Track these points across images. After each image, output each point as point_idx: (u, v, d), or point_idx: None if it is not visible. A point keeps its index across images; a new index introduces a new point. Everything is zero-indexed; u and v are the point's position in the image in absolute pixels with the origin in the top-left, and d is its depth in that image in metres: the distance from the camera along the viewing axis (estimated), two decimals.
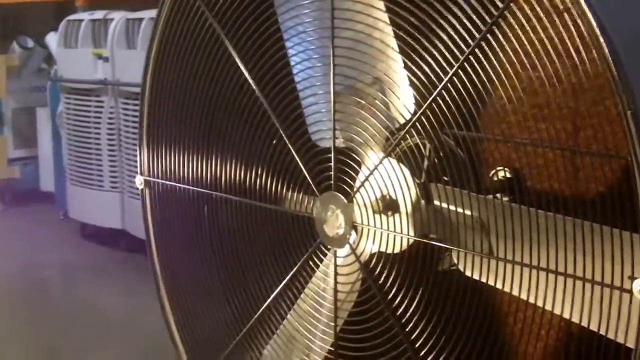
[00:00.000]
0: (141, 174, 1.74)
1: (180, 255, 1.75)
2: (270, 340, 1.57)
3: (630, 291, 1.04)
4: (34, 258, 4.24)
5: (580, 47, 1.08)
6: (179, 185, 1.68)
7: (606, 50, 1.03)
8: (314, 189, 1.45)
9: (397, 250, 1.34)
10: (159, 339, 2.88)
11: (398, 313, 1.34)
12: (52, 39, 4.67)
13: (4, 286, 3.83)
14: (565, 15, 1.09)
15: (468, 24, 1.18)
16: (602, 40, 1.03)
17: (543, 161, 1.22)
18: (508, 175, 1.32)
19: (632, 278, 1.04)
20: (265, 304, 1.57)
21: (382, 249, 1.36)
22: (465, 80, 1.21)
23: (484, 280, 1.25)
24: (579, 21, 1.06)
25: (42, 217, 4.92)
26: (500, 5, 1.15)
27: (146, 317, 3.23)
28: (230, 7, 1.52)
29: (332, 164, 1.40)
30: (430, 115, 1.26)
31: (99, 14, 4.23)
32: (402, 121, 1.32)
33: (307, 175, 1.46)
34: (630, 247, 1.06)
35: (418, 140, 1.31)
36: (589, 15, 1.04)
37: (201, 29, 1.58)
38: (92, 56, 4.20)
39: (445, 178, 1.30)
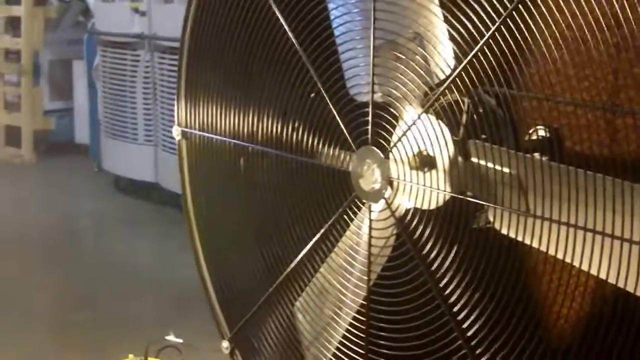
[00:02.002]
0: (179, 124, 1.74)
1: (215, 208, 1.76)
2: (303, 293, 1.58)
3: None
4: (67, 209, 4.29)
5: (622, 6, 1.06)
6: (216, 137, 1.69)
7: None
8: (351, 143, 1.44)
9: (432, 206, 1.34)
10: (189, 290, 2.92)
11: (432, 269, 1.34)
12: None
13: (38, 236, 3.89)
14: None
15: None
16: None
17: (582, 121, 1.21)
18: (545, 134, 1.31)
19: None
20: (299, 257, 1.58)
21: (418, 205, 1.36)
22: (508, 36, 1.20)
23: (520, 238, 1.24)
24: None
25: (76, 169, 4.98)
26: None
27: (177, 268, 3.27)
28: None
29: (370, 118, 1.40)
30: (471, 71, 1.25)
31: None
32: (441, 77, 1.32)
33: (344, 129, 1.45)
34: None
35: (457, 97, 1.30)
36: None
37: None
38: (130, 10, 4.21)
39: (483, 135, 1.29)
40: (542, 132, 1.32)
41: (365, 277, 1.44)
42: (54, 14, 5.25)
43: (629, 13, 1.05)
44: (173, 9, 3.91)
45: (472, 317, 1.29)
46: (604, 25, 1.10)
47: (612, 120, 1.21)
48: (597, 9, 1.10)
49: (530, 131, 1.33)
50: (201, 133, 1.71)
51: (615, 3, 1.07)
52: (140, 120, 4.23)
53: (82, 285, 3.25)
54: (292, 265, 1.58)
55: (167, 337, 2.41)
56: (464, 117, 1.32)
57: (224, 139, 1.67)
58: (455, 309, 1.30)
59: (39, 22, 5.20)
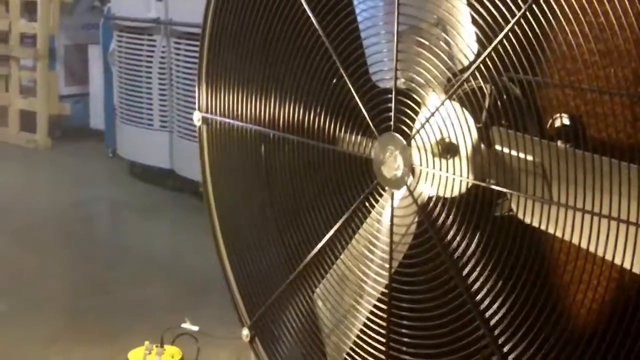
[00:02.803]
0: (199, 110, 1.74)
1: (235, 194, 1.76)
2: (323, 280, 1.58)
3: None
4: (82, 195, 4.30)
5: None
6: (237, 122, 1.68)
7: None
8: (373, 129, 1.44)
9: (455, 193, 1.33)
10: (204, 277, 2.93)
11: (454, 257, 1.33)
12: None
13: (52, 222, 3.90)
14: None
15: None
16: None
17: (604, 109, 1.20)
18: (567, 122, 1.30)
19: None
20: (321, 244, 1.57)
21: (440, 192, 1.35)
22: (533, 23, 1.19)
23: (542, 227, 1.24)
24: None
25: (91, 154, 4.99)
26: None
27: (192, 255, 3.27)
28: None
29: (393, 104, 1.39)
30: (495, 58, 1.24)
31: None
32: (465, 63, 1.31)
33: (366, 115, 1.45)
34: None
35: (482, 83, 1.29)
36: None
37: None
38: None
39: (505, 123, 1.28)
40: (565, 120, 1.32)
41: (387, 265, 1.43)
42: None
43: None
44: None
45: (495, 306, 1.28)
46: (630, 11, 1.09)
47: (634, 108, 1.20)
48: None
49: (553, 118, 1.32)
50: (222, 119, 1.71)
51: None
52: (156, 106, 4.22)
53: (96, 271, 3.26)
54: (313, 252, 1.58)
55: (183, 325, 2.41)
56: (487, 104, 1.31)
57: (245, 124, 1.67)
58: (478, 297, 1.30)
59: (55, 7, 5.21)
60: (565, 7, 1.16)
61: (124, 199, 4.25)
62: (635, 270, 1.13)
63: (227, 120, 1.70)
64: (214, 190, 1.77)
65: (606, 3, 1.12)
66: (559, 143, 1.28)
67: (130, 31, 4.31)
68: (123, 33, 4.35)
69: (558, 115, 1.32)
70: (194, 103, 1.75)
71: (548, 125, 1.33)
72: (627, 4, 1.09)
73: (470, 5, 1.28)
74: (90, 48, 5.20)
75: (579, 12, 1.15)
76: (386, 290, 1.44)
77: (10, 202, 4.08)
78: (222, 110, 1.71)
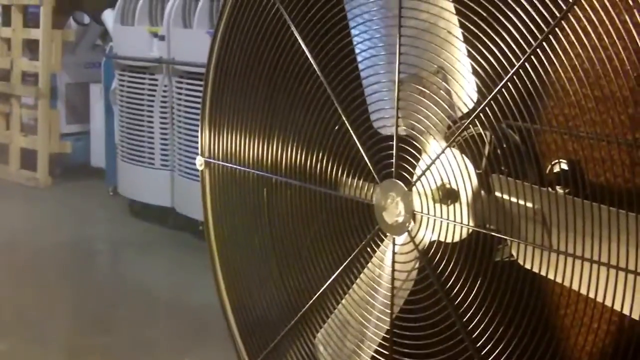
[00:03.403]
0: (202, 154, 1.76)
1: (237, 237, 1.77)
2: (325, 325, 1.59)
3: None
4: (82, 233, 4.31)
5: None
6: (239, 167, 1.70)
7: None
8: (375, 175, 1.46)
9: (455, 239, 1.35)
10: (205, 316, 2.93)
11: (455, 302, 1.34)
12: (109, 16, 4.72)
13: (53, 259, 3.90)
14: (635, 10, 1.09)
15: (536, 16, 1.19)
16: None
17: (602, 154, 1.22)
18: (565, 167, 1.32)
19: None
20: (322, 289, 1.58)
21: (441, 238, 1.37)
22: (531, 72, 1.21)
23: (542, 273, 1.25)
24: (637, 16, 1.06)
25: (92, 192, 5.00)
26: None
27: (192, 294, 3.28)
28: None
29: (394, 151, 1.41)
30: (494, 106, 1.27)
31: None
32: (464, 110, 1.33)
33: (368, 162, 1.47)
34: None
35: (480, 130, 1.31)
36: None
37: (268, 14, 1.59)
38: (148, 34, 4.24)
39: (505, 169, 1.30)
40: (563, 166, 1.34)
41: (388, 310, 1.45)
42: (72, 37, 5.29)
43: None
44: (192, 33, 3.94)
45: (496, 352, 1.29)
46: (624, 58, 1.12)
47: (632, 153, 1.22)
48: (617, 42, 1.11)
49: (552, 164, 1.34)
50: (224, 163, 1.72)
51: (636, 36, 1.08)
52: (157, 144, 4.24)
53: (97, 310, 3.26)
54: (315, 297, 1.59)
55: None
56: (487, 150, 1.34)
57: (247, 169, 1.69)
58: (480, 343, 1.31)
59: (57, 45, 5.24)
60: (563, 55, 1.18)
61: (125, 237, 4.26)
62: (634, 316, 1.14)
63: (229, 165, 1.72)
64: (215, 232, 1.78)
65: (602, 51, 1.14)
66: (558, 188, 1.30)
67: (132, 70, 4.34)
68: (125, 72, 4.39)
69: (557, 160, 1.34)
70: (196, 142, 1.77)
71: (547, 171, 1.35)
72: (624, 53, 1.11)
73: (469, 55, 1.31)
74: (92, 87, 5.24)
75: (575, 60, 1.17)
76: (388, 336, 1.45)
77: (10, 240, 4.08)
78: (224, 154, 1.72)
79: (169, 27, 4.11)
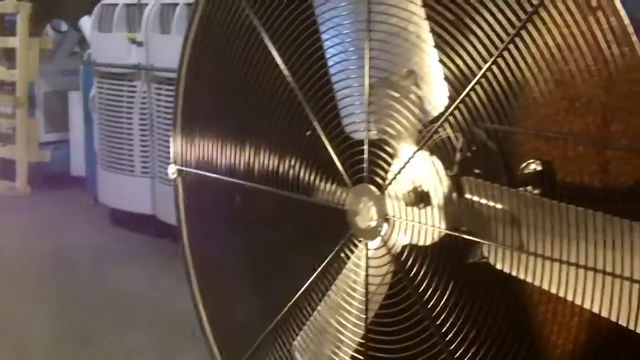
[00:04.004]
0: (174, 162, 1.75)
1: (211, 245, 1.77)
2: (301, 332, 1.59)
3: None
4: (63, 242, 4.28)
5: (612, 42, 1.09)
6: (212, 174, 1.70)
7: (637, 45, 1.03)
8: (347, 180, 1.46)
9: (428, 242, 1.35)
10: (187, 322, 2.92)
11: (429, 305, 1.35)
12: (86, 23, 4.70)
13: (34, 269, 3.88)
14: (598, 11, 1.09)
15: (502, 19, 1.19)
16: (633, 36, 1.04)
17: (574, 154, 1.23)
18: (538, 167, 1.33)
19: None
20: (297, 295, 1.58)
21: (414, 241, 1.37)
22: (499, 75, 1.22)
23: (514, 273, 1.26)
24: (611, 17, 1.07)
25: (72, 201, 4.96)
26: (534, 1, 1.15)
27: (174, 301, 3.26)
28: None
29: (365, 156, 1.41)
30: (464, 109, 1.27)
31: None
32: (435, 114, 1.33)
33: (340, 166, 1.47)
34: None
35: (451, 133, 1.32)
36: (621, 11, 1.05)
37: (238, 20, 1.59)
38: (126, 40, 4.22)
39: (477, 171, 1.31)
40: (535, 166, 1.34)
41: (363, 315, 1.45)
42: (49, 44, 5.26)
43: (621, 47, 1.07)
44: (170, 39, 3.92)
45: (469, 354, 1.29)
46: (596, 59, 1.13)
47: (603, 152, 1.23)
48: (590, 43, 1.12)
49: (523, 165, 1.35)
50: (197, 171, 1.72)
51: (607, 37, 1.09)
52: (137, 151, 4.23)
53: (80, 319, 3.24)
54: (290, 303, 1.59)
55: None
56: (458, 153, 1.34)
57: (220, 176, 1.68)
58: (453, 345, 1.31)
59: (35, 53, 5.21)
60: (533, 57, 1.19)
61: (106, 245, 4.24)
62: (604, 315, 1.15)
63: (201, 172, 1.71)
64: (189, 240, 1.78)
65: (574, 51, 1.15)
66: (530, 189, 1.30)
67: (110, 77, 4.32)
68: (103, 79, 4.37)
69: (529, 161, 1.34)
70: None
71: (520, 171, 1.36)
72: (593, 53, 1.12)
73: (440, 60, 1.31)
74: (71, 94, 5.21)
75: (546, 61, 1.18)
76: (363, 341, 1.45)
77: None
78: (196, 162, 1.72)
79: (147, 33, 4.10)
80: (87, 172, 4.92)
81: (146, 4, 4.13)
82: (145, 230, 4.26)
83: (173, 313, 3.18)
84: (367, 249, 1.44)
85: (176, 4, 3.93)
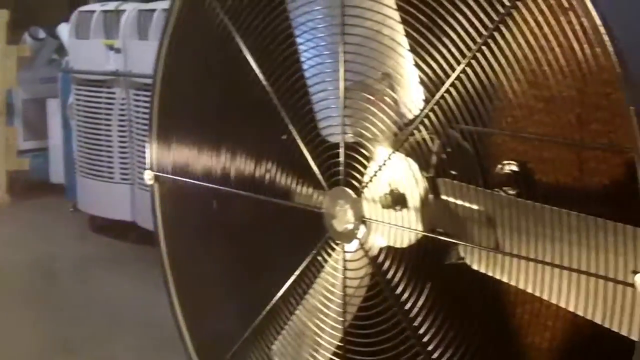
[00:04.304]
0: (150, 169, 1.75)
1: (189, 251, 1.76)
2: (279, 336, 1.59)
3: (632, 285, 1.05)
4: (43, 250, 4.25)
5: (585, 43, 1.09)
6: (189, 180, 1.69)
7: (610, 46, 1.04)
8: (323, 184, 1.46)
9: (405, 244, 1.35)
10: (168, 331, 2.91)
11: (406, 307, 1.35)
12: (64, 30, 4.68)
13: (14, 278, 3.85)
14: (570, 12, 1.10)
15: (475, 21, 1.20)
16: (605, 37, 1.04)
17: (549, 154, 1.24)
18: (515, 168, 1.33)
19: (635, 272, 1.05)
20: (275, 299, 1.58)
21: (391, 244, 1.37)
22: (473, 76, 1.22)
23: (490, 274, 1.26)
24: (583, 18, 1.07)
25: (52, 209, 4.93)
26: (507, 3, 1.16)
27: (156, 309, 3.23)
28: (241, 2, 1.54)
29: (341, 159, 1.41)
30: (439, 111, 1.28)
31: (111, 5, 4.23)
32: (410, 116, 1.34)
33: (316, 170, 1.47)
34: (633, 241, 1.07)
35: (426, 135, 1.32)
36: (593, 12, 1.05)
37: (212, 24, 1.59)
38: (104, 47, 4.20)
39: (453, 172, 1.31)
40: (511, 167, 1.35)
41: (341, 318, 1.45)
42: (27, 52, 5.23)
43: (594, 48, 1.07)
44: (148, 45, 3.90)
45: (447, 355, 1.30)
46: (571, 60, 1.13)
47: (580, 152, 1.24)
48: (563, 44, 1.13)
49: (500, 166, 1.35)
50: (173, 177, 1.71)
51: (580, 38, 1.10)
52: (116, 158, 4.21)
53: (60, 328, 3.21)
54: (268, 307, 1.59)
55: None
56: (434, 155, 1.34)
57: (197, 182, 1.68)
58: (430, 347, 1.31)
59: (12, 61, 5.17)
60: (508, 57, 1.19)
61: (86, 253, 4.21)
62: (580, 313, 1.16)
63: (177, 178, 1.71)
64: (167, 247, 1.77)
65: (548, 52, 1.15)
66: (508, 190, 1.31)
67: (88, 84, 4.30)
68: (82, 86, 4.35)
69: (505, 162, 1.35)
70: None
71: (496, 172, 1.36)
72: (569, 53, 1.13)
73: (414, 62, 1.32)
74: (49, 102, 5.17)
75: (522, 62, 1.18)
76: (341, 344, 1.45)
77: None
78: (172, 168, 1.71)
79: (124, 39, 4.09)
80: (66, 180, 4.89)
81: (124, 11, 4.11)
82: (126, 237, 4.25)
83: (154, 321, 3.16)
84: (345, 252, 1.44)
85: (153, 10, 3.92)
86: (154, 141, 1.74)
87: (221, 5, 1.56)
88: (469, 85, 1.23)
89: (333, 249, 1.47)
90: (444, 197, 1.30)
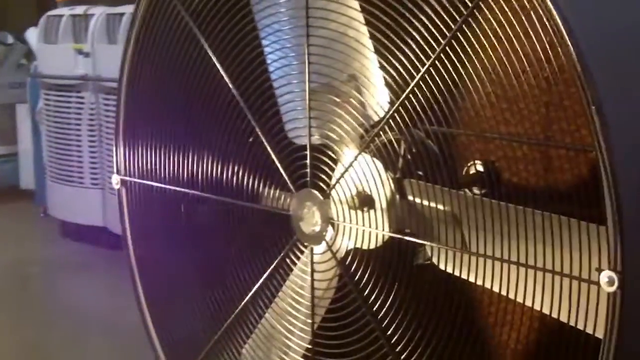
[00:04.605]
0: (117, 173, 1.74)
1: (157, 254, 1.76)
2: (249, 339, 1.58)
3: (597, 283, 1.06)
4: (13, 256, 4.21)
5: (548, 43, 1.10)
6: (156, 184, 1.68)
7: (571, 47, 1.04)
8: (290, 186, 1.46)
9: (372, 246, 1.35)
10: (140, 336, 2.89)
11: (374, 308, 1.35)
12: (32, 35, 4.64)
13: None
14: (532, 13, 1.11)
15: (439, 22, 1.20)
16: (567, 37, 1.05)
17: (515, 154, 1.24)
18: (481, 168, 1.34)
19: (599, 270, 1.06)
20: (243, 302, 1.58)
21: (358, 245, 1.37)
22: (437, 77, 1.22)
23: (457, 274, 1.27)
24: (544, 19, 1.08)
25: (22, 214, 4.90)
26: (469, 3, 1.16)
27: (127, 314, 3.22)
28: (205, 5, 1.53)
29: (308, 161, 1.41)
30: (404, 112, 1.28)
31: (79, 9, 4.21)
32: (376, 118, 1.34)
33: (283, 172, 1.47)
34: (597, 239, 1.07)
35: (392, 137, 1.32)
36: (554, 12, 1.06)
37: (177, 27, 1.58)
38: (73, 51, 4.18)
39: (420, 173, 1.31)
40: (479, 167, 1.35)
41: (310, 320, 1.44)
42: None
43: (558, 48, 1.08)
44: (117, 49, 3.86)
45: (415, 355, 1.30)
46: (534, 60, 1.14)
47: (546, 151, 1.24)
48: (527, 45, 1.13)
49: (468, 165, 1.36)
50: (140, 180, 1.70)
51: (544, 39, 1.10)
52: (86, 163, 4.19)
53: (31, 333, 3.19)
54: (237, 311, 1.58)
55: None
56: (400, 156, 1.34)
57: (164, 185, 1.67)
58: (399, 348, 1.31)
59: None
60: (474, 57, 1.19)
61: (57, 258, 4.19)
62: (546, 312, 1.16)
63: (145, 181, 1.70)
64: (135, 252, 1.76)
65: (514, 52, 1.16)
66: (475, 190, 1.31)
67: (57, 88, 4.28)
68: (51, 91, 4.32)
69: (472, 162, 1.35)
70: None
71: (464, 172, 1.37)
72: (534, 53, 1.13)
73: (379, 64, 1.32)
74: (18, 107, 5.14)
75: (487, 62, 1.18)
76: (310, 346, 1.45)
77: None
78: (140, 171, 1.71)
79: (93, 43, 4.07)
80: (36, 185, 4.86)
81: (92, 15, 4.09)
82: (97, 242, 4.22)
83: (125, 326, 3.14)
84: (313, 254, 1.44)
85: (122, 14, 3.91)
86: (120, 145, 1.73)
87: (185, 7, 1.55)
88: (433, 87, 1.23)
89: (301, 251, 1.47)
90: (410, 198, 1.31)
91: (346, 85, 1.38)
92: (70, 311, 3.41)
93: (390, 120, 1.29)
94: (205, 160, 1.62)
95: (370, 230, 1.34)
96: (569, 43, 1.04)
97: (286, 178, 1.46)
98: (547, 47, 1.11)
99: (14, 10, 5.76)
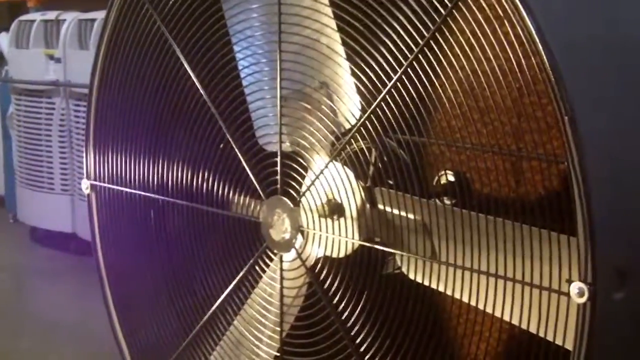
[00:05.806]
0: (87, 178, 1.72)
1: (127, 260, 1.74)
2: (217, 347, 1.57)
3: (567, 294, 1.06)
4: None
5: (521, 53, 1.10)
6: (126, 189, 1.67)
7: (544, 57, 1.04)
8: (261, 193, 1.45)
9: (342, 254, 1.35)
10: (109, 344, 2.87)
11: (343, 317, 1.34)
12: (3, 39, 4.60)
13: None
14: (507, 22, 1.11)
15: (412, 30, 1.20)
16: (540, 46, 1.05)
17: (488, 164, 1.24)
18: (452, 178, 1.34)
19: (569, 281, 1.05)
20: (212, 309, 1.56)
21: (328, 253, 1.37)
22: (409, 86, 1.22)
23: (427, 283, 1.26)
24: (518, 28, 1.08)
25: None
26: (442, 11, 1.16)
27: (96, 322, 3.18)
28: (178, 10, 1.52)
29: (279, 168, 1.40)
30: (375, 120, 1.27)
31: (51, 15, 4.18)
32: (348, 126, 1.33)
33: (253, 179, 1.46)
34: (568, 250, 1.07)
35: (363, 145, 1.32)
36: (528, 22, 1.06)
37: (149, 31, 1.57)
38: (44, 57, 4.15)
39: (390, 182, 1.31)
40: (450, 177, 1.35)
41: (278, 328, 1.44)
42: None
43: (530, 59, 1.08)
44: (89, 55, 3.84)
45: None
46: (507, 71, 1.14)
47: (516, 163, 1.24)
48: (500, 55, 1.13)
49: (439, 175, 1.36)
50: (110, 186, 1.69)
51: (517, 50, 1.10)
52: (57, 169, 4.16)
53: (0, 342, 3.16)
54: (205, 317, 1.57)
55: None
56: (371, 165, 1.34)
57: (134, 191, 1.66)
58: (367, 356, 1.31)
59: None
60: (445, 68, 1.19)
61: (26, 265, 4.14)
62: (515, 323, 1.16)
63: (114, 187, 1.69)
64: (104, 258, 1.75)
65: (485, 63, 1.15)
66: (445, 200, 1.31)
67: (28, 94, 4.24)
68: (21, 96, 4.29)
69: (443, 172, 1.35)
70: None
71: (434, 182, 1.36)
72: (506, 64, 1.13)
73: (352, 72, 1.32)
74: None
75: (460, 72, 1.18)
76: (279, 354, 1.44)
77: None
78: (110, 176, 1.69)
79: (64, 49, 4.04)
80: (6, 191, 4.82)
81: (64, 20, 4.07)
82: (66, 248, 4.19)
83: (96, 333, 3.11)
84: (282, 262, 1.43)
85: (94, 20, 3.88)
86: (90, 150, 1.71)
87: (157, 11, 1.54)
88: (405, 95, 1.23)
89: (271, 259, 1.46)
90: (381, 206, 1.30)
91: (318, 93, 1.37)
92: (38, 318, 3.38)
93: (362, 128, 1.29)
94: (175, 166, 1.60)
95: (340, 239, 1.34)
96: (543, 53, 1.04)
97: (256, 185, 1.45)
98: (520, 57, 1.10)
99: None
